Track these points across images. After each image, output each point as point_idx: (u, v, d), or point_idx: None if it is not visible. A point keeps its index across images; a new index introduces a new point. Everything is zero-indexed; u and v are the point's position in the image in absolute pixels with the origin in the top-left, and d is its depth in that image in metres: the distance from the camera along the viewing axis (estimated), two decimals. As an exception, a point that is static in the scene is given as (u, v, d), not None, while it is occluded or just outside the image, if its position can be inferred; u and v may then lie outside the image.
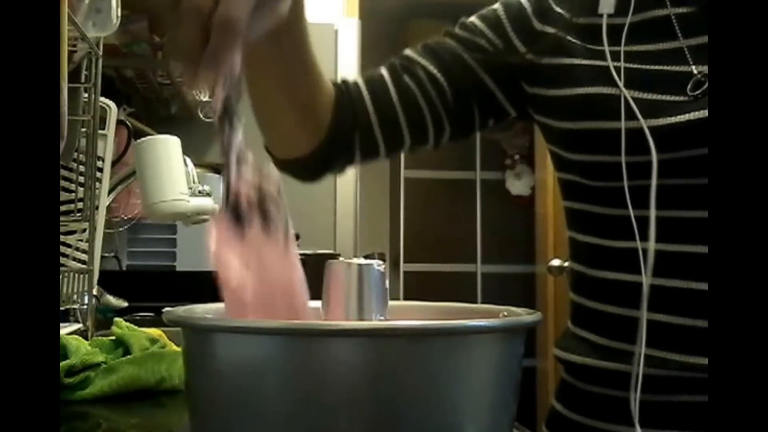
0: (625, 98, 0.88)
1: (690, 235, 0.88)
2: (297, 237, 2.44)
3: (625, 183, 0.88)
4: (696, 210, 0.88)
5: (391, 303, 0.72)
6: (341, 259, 0.71)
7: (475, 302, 0.88)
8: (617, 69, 0.90)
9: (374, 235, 4.39)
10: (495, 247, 4.54)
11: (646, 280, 0.85)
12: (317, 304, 0.72)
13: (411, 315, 0.77)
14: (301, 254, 2.35)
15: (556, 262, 3.46)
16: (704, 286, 0.87)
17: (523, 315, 0.68)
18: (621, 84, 0.89)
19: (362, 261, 0.70)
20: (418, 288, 4.37)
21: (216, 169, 2.74)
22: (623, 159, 0.88)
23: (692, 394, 0.89)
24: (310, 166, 1.02)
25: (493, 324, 0.63)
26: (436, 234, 4.56)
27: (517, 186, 4.58)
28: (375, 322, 0.68)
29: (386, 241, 4.66)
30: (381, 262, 0.70)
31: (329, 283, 0.70)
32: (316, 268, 0.70)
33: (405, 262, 4.49)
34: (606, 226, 0.95)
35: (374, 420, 0.57)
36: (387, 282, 0.71)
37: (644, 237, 0.86)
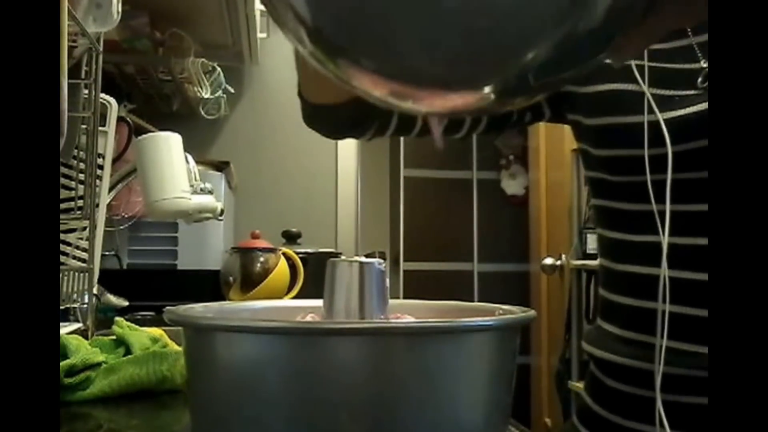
0: (644, 93, 0.91)
1: (703, 228, 0.91)
2: (298, 236, 2.44)
3: (648, 176, 0.90)
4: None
5: (391, 301, 0.72)
6: (342, 257, 0.71)
7: (472, 300, 0.88)
8: (640, 67, 0.93)
9: (375, 233, 4.40)
10: (491, 246, 4.56)
11: (664, 273, 0.88)
12: (319, 302, 0.72)
13: (411, 313, 0.77)
14: (302, 253, 2.35)
15: (548, 261, 3.50)
16: None
17: (517, 313, 0.69)
18: (645, 82, 0.92)
19: (363, 260, 0.70)
20: (417, 286, 4.38)
21: (218, 166, 2.75)
22: (646, 152, 0.90)
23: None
24: (341, 117, 1.01)
25: (489, 322, 0.64)
26: (435, 233, 4.58)
27: (511, 186, 4.60)
28: (376, 322, 0.68)
29: (386, 240, 4.66)
30: (381, 261, 0.71)
31: (331, 281, 0.70)
32: (317, 267, 0.70)
33: (405, 260, 4.49)
34: (626, 221, 0.99)
35: (374, 418, 0.57)
36: (387, 280, 0.71)
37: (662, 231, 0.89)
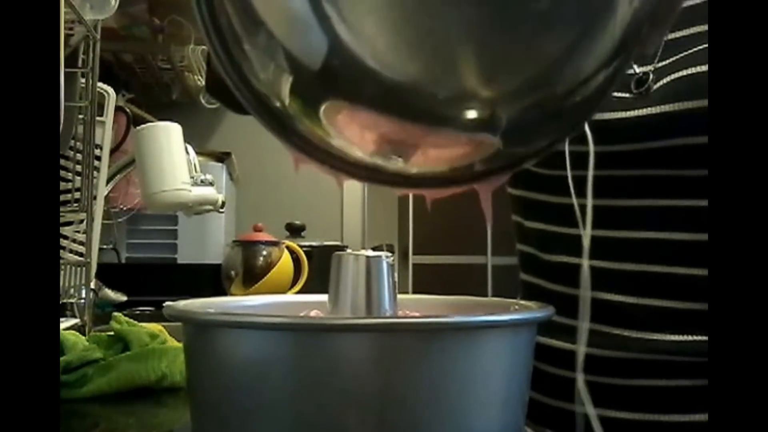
0: None
1: (625, 222, 0.96)
2: (303, 228, 2.44)
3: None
4: (634, 199, 0.95)
5: (400, 296, 0.72)
6: (348, 251, 0.71)
7: (486, 295, 0.89)
8: None
9: (382, 226, 4.39)
10: (506, 238, 4.53)
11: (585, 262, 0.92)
12: (324, 297, 0.72)
13: (421, 309, 0.77)
14: (306, 246, 2.34)
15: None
16: (634, 266, 0.95)
17: (534, 308, 0.69)
18: None
19: (370, 253, 0.70)
20: (427, 281, 4.36)
21: (218, 157, 2.75)
22: (566, 149, 0.93)
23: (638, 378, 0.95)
24: None
25: (505, 318, 0.64)
26: (446, 225, 4.56)
27: (529, 173, 4.58)
28: (384, 318, 0.68)
29: (395, 233, 4.65)
30: (389, 255, 0.71)
31: (336, 276, 0.70)
32: (322, 261, 0.70)
33: (414, 254, 4.48)
34: (552, 213, 1.02)
35: (382, 418, 0.57)
36: (396, 275, 0.71)
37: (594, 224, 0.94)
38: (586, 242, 0.90)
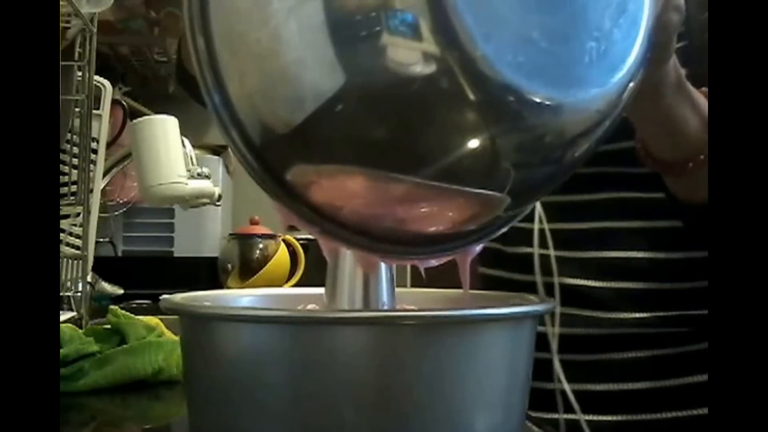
0: None
1: (584, 214, 1.06)
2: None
3: None
4: (591, 193, 1.05)
5: (398, 290, 0.72)
6: (346, 244, 0.71)
7: (485, 288, 0.91)
8: None
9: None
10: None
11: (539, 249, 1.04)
12: (321, 291, 0.72)
13: (419, 302, 0.77)
14: (303, 239, 2.33)
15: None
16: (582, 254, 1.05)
17: (534, 302, 0.69)
18: None
19: (368, 246, 0.70)
20: (426, 274, 4.35)
21: (215, 150, 2.74)
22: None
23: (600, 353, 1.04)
24: None
25: (504, 312, 0.64)
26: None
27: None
28: (381, 311, 0.68)
29: (392, 226, 4.63)
30: (387, 247, 0.70)
31: (333, 269, 0.70)
32: (319, 254, 0.70)
33: (412, 247, 4.48)
34: None
35: (380, 412, 0.57)
36: (394, 268, 0.71)
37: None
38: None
